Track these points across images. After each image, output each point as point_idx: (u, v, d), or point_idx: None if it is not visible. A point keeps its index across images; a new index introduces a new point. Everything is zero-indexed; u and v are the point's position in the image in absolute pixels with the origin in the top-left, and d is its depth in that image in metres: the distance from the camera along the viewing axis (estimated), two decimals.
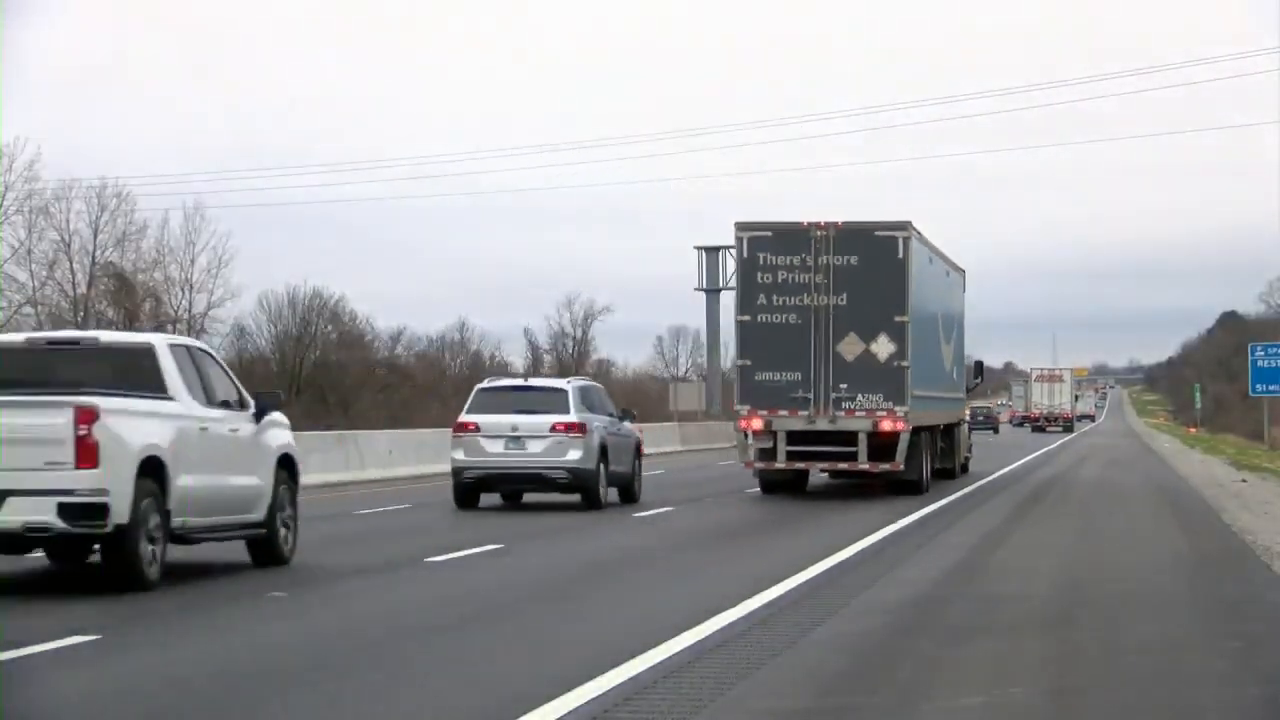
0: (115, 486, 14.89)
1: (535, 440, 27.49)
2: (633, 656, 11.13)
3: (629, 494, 29.62)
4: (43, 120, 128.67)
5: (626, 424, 30.26)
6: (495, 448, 27.53)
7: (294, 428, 19.26)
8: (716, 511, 27.81)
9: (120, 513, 14.92)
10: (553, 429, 27.49)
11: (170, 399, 16.28)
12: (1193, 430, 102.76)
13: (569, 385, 29.00)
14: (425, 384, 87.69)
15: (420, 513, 27.18)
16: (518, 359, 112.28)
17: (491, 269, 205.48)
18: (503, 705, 9.55)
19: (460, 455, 27.64)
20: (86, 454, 14.74)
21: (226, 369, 18.18)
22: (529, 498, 29.23)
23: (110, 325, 73.15)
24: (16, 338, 18.58)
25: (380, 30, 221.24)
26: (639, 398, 77.61)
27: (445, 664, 11.31)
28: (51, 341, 17.66)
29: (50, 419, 14.81)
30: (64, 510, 14.76)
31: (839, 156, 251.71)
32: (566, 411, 27.71)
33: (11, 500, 14.73)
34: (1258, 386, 57.74)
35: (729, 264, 79.81)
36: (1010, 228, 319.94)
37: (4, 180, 69.49)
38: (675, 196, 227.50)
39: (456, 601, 14.97)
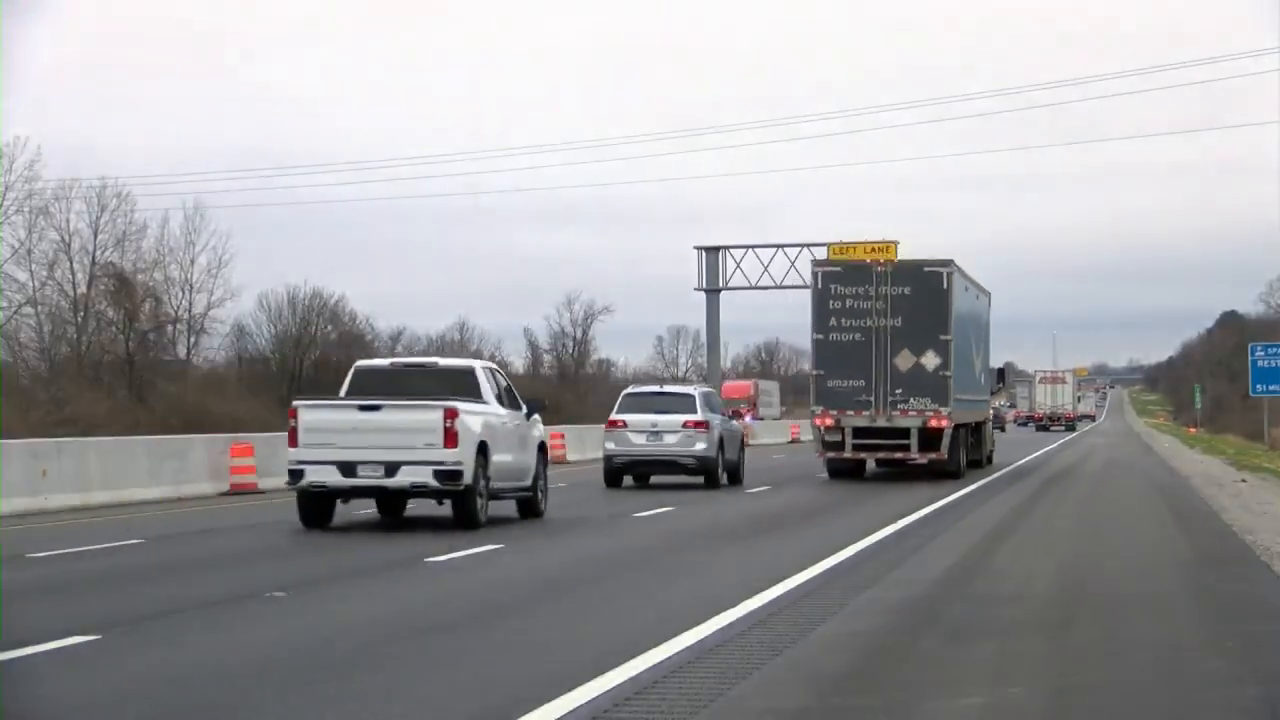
0: (465, 459, 22.34)
1: (670, 434, 35.18)
2: (633, 656, 11.13)
3: (736, 476, 36.29)
4: (43, 120, 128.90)
5: (734, 422, 38.17)
6: (639, 439, 35.34)
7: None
8: (717, 511, 27.85)
9: (468, 477, 22.37)
10: (684, 425, 35.14)
11: (485, 403, 23.75)
12: (1193, 430, 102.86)
13: (695, 391, 37.22)
14: None
15: (421, 513, 27.21)
16: (518, 359, 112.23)
17: (491, 269, 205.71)
18: (503, 705, 9.55)
19: (611, 445, 35.54)
20: (451, 438, 22.25)
21: (509, 381, 25.74)
22: (656, 480, 36.14)
23: (109, 325, 73.25)
24: (383, 363, 26.42)
25: (380, 30, 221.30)
26: None
27: (445, 664, 11.31)
28: (406, 364, 25.72)
29: (428, 415, 22.30)
30: (437, 475, 22.25)
31: (839, 156, 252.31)
32: (694, 412, 35.41)
33: (403, 468, 22.25)
34: (1258, 386, 57.72)
35: (729, 264, 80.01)
36: (1010, 228, 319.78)
37: (4, 180, 69.52)
38: (675, 196, 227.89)
39: (456, 601, 14.98)
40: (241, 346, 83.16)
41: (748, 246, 79.73)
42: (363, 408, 22.58)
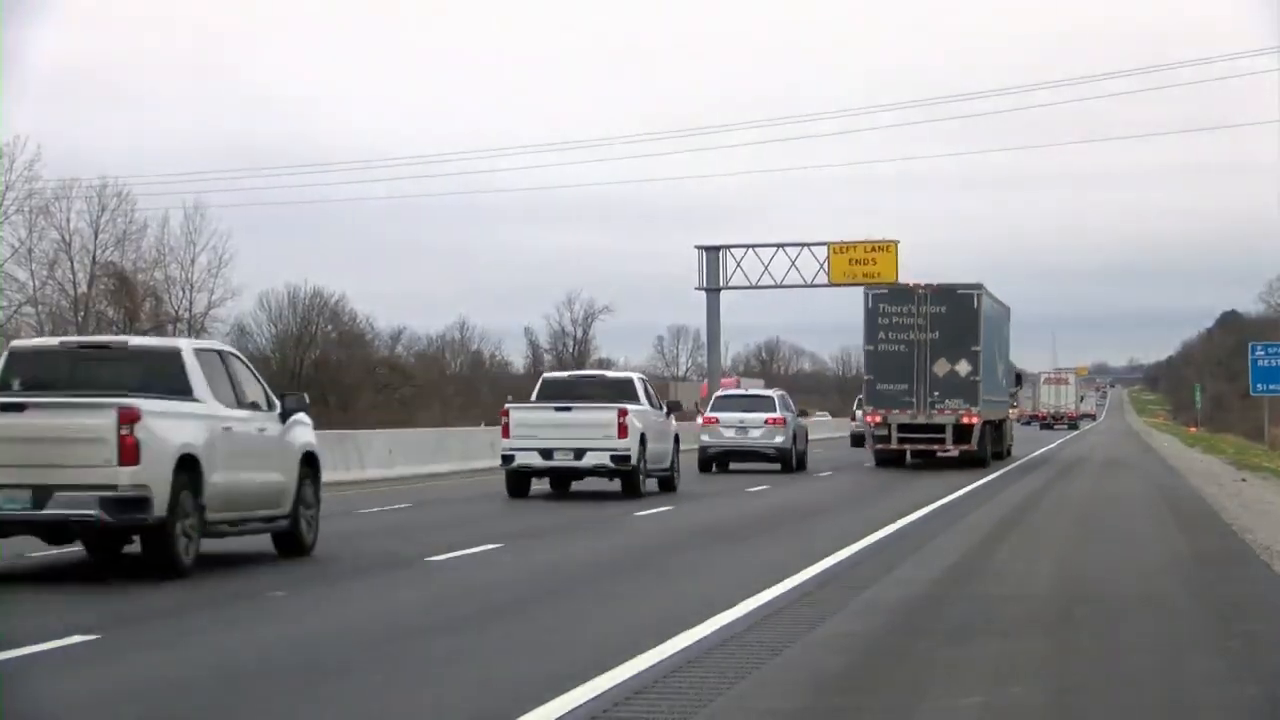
0: (633, 447, 29.61)
1: (755, 429, 42.80)
2: (633, 656, 11.13)
3: (802, 463, 43.81)
4: (43, 120, 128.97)
5: (801, 419, 46.25)
6: (729, 433, 42.99)
7: None
8: (719, 510, 27.84)
9: (634, 460, 29.71)
10: (765, 421, 42.75)
11: (641, 405, 30.81)
12: (1193, 429, 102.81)
13: (775, 394, 46.05)
14: (425, 384, 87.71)
15: (420, 512, 27.25)
16: (518, 358, 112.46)
17: (491, 269, 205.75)
18: (503, 705, 9.55)
19: (706, 438, 43.20)
20: (623, 431, 29.54)
21: (652, 390, 32.88)
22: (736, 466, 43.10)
23: (110, 325, 73.28)
24: (564, 375, 35.02)
25: (380, 30, 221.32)
26: None
27: (445, 664, 11.31)
28: (581, 376, 34.52)
29: (607, 414, 29.67)
30: (613, 459, 29.56)
31: (838, 156, 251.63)
32: (774, 410, 43.23)
33: (588, 454, 29.62)
34: (1258, 386, 57.65)
35: (729, 264, 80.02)
36: (1010, 227, 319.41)
37: (4, 180, 69.51)
38: (675, 196, 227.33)
39: (456, 601, 14.97)
40: (242, 346, 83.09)
41: (748, 246, 79.67)
42: (558, 408, 30.02)
